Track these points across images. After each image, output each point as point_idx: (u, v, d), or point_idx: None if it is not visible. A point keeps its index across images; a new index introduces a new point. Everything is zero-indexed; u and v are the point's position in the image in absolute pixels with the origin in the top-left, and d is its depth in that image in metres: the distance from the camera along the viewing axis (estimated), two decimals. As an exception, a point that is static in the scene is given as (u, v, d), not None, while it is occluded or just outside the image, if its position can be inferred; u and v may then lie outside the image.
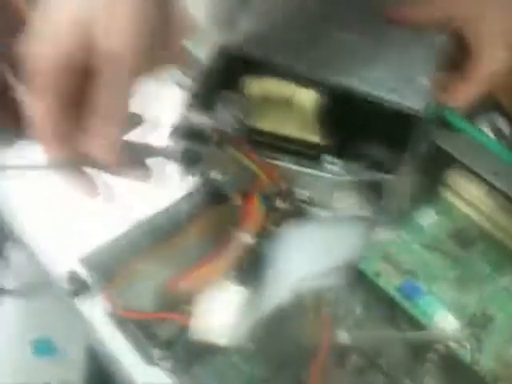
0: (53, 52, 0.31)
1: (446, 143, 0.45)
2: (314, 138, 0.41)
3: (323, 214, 0.42)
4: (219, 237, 0.42)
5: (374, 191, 0.40)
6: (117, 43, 0.31)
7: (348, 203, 0.42)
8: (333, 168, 0.40)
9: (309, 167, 0.40)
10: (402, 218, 0.46)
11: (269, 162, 0.40)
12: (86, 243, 0.40)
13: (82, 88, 0.32)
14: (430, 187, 0.47)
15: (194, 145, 0.40)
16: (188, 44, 0.51)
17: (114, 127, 0.33)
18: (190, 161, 0.41)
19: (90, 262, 0.39)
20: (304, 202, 0.41)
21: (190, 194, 0.44)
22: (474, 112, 0.53)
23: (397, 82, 0.40)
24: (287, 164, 0.40)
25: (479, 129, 0.50)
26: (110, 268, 0.40)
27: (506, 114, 0.56)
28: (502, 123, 0.55)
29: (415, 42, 0.43)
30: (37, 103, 0.32)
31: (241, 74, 0.41)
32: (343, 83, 0.40)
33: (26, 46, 0.32)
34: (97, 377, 0.69)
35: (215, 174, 0.41)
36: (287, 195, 0.40)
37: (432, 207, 0.46)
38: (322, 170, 0.40)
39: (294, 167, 0.40)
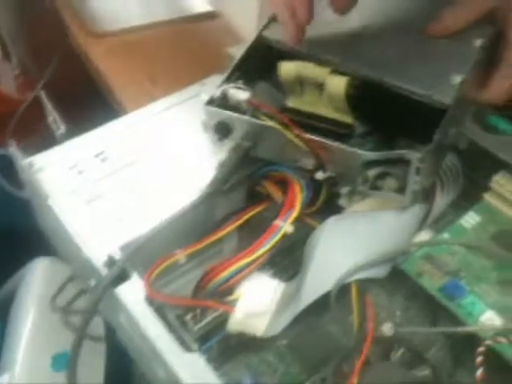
0: None
1: (490, 146, 0.45)
2: (346, 118, 0.42)
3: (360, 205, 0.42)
4: (260, 228, 0.42)
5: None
6: None
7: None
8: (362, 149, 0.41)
9: (340, 146, 0.41)
10: (443, 220, 0.45)
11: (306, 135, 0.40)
12: (126, 233, 0.40)
13: None
14: (473, 193, 0.46)
15: (228, 117, 0.41)
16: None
17: None
18: (222, 132, 0.41)
19: (130, 249, 0.39)
20: (333, 178, 0.41)
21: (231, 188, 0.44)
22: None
23: (428, 77, 0.41)
24: (321, 139, 0.40)
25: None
26: (149, 257, 0.40)
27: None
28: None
29: (453, 43, 0.44)
30: None
31: (276, 60, 0.42)
32: (374, 75, 0.41)
33: None
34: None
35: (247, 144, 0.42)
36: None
37: (475, 210, 0.45)
38: (351, 150, 0.40)
39: (328, 142, 0.40)
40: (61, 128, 0.90)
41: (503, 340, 0.36)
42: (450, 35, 0.44)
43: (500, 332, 0.37)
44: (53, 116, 0.92)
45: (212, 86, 0.47)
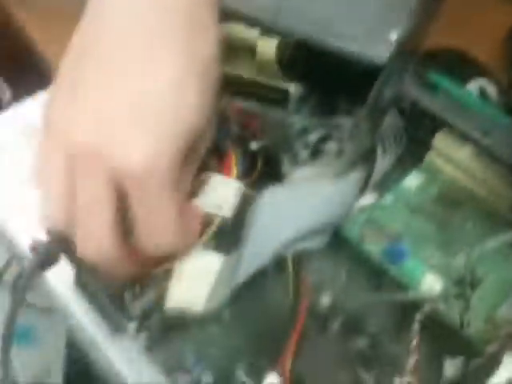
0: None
1: (432, 105, 0.44)
2: (279, 83, 0.40)
3: (299, 172, 0.41)
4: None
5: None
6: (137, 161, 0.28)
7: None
8: (299, 116, 0.40)
9: (275, 112, 0.40)
10: (387, 181, 0.44)
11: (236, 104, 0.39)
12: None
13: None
14: (417, 152, 0.45)
15: None
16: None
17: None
18: None
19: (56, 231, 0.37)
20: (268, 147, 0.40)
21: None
22: (461, 78, 0.52)
23: (364, 33, 0.39)
24: (253, 108, 0.39)
25: (465, 89, 0.48)
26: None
27: (496, 81, 0.54)
28: (490, 89, 0.54)
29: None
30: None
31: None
32: (306, 35, 0.39)
33: None
34: (77, 366, 0.67)
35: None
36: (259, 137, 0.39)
37: (419, 170, 0.44)
38: (287, 116, 0.40)
39: (263, 111, 0.39)
40: (6, 93, 0.88)
41: (442, 306, 0.36)
42: None
43: (440, 296, 0.37)
44: (-4, 82, 0.89)
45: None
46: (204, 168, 0.43)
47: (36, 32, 0.64)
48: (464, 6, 0.56)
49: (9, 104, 0.83)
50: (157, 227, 0.30)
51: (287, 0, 0.40)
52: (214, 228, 0.39)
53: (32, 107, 0.45)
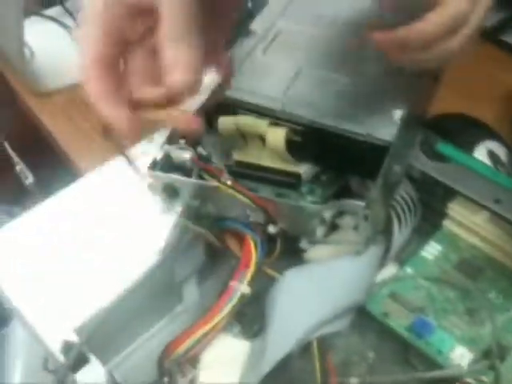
0: None
1: (443, 175, 0.44)
2: (291, 167, 0.41)
3: (317, 251, 0.42)
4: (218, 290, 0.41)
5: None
6: None
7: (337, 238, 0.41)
8: (312, 197, 0.41)
9: (289, 198, 0.41)
10: (406, 253, 0.44)
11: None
12: (79, 312, 0.39)
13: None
14: (432, 219, 0.46)
15: (174, 179, 0.41)
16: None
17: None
18: (170, 195, 0.41)
19: (86, 331, 0.38)
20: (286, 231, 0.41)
21: (184, 253, 0.43)
22: (471, 142, 0.53)
23: (368, 115, 0.40)
24: (269, 195, 0.40)
25: (473, 157, 0.49)
26: (107, 336, 0.39)
27: (504, 143, 0.55)
28: (499, 151, 0.54)
29: (391, 77, 0.43)
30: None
31: (216, 115, 0.41)
32: (314, 120, 0.40)
33: None
34: None
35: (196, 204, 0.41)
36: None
37: (436, 239, 0.45)
38: (302, 199, 0.41)
39: (275, 198, 0.40)
40: (28, 177, 0.91)
41: (472, 381, 0.35)
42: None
43: (470, 371, 0.37)
44: (20, 166, 0.93)
45: (160, 141, 0.46)
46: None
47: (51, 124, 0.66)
48: (466, 71, 0.57)
49: (32, 188, 0.85)
50: None
51: (293, 89, 0.42)
52: (234, 303, 0.39)
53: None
